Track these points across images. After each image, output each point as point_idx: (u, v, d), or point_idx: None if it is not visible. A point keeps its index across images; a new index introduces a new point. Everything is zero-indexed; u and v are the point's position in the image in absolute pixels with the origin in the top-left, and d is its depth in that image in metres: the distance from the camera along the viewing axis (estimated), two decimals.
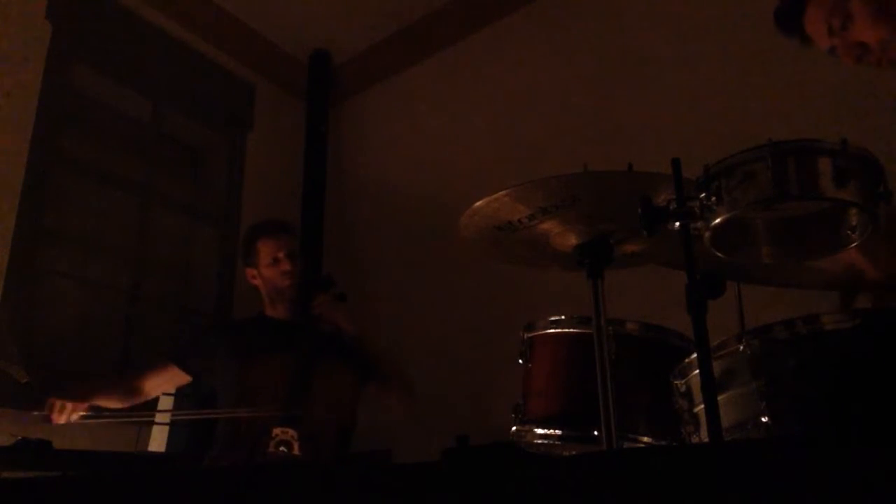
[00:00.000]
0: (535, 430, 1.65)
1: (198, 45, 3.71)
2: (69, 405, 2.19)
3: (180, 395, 2.54)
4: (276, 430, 2.16)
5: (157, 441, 2.49)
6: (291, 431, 2.17)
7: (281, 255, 2.53)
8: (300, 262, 2.57)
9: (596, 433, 1.51)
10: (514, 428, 1.69)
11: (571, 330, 1.70)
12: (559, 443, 1.64)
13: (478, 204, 1.53)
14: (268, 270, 2.53)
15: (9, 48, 2.95)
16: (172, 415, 2.46)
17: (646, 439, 1.59)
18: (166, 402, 2.54)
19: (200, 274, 3.68)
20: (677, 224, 1.20)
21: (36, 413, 2.19)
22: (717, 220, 1.18)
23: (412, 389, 2.51)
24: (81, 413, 2.21)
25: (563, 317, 1.72)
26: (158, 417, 2.49)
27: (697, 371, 1.20)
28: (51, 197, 3.05)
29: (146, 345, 3.25)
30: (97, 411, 2.28)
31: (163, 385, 2.47)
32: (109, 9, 3.35)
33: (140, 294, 3.31)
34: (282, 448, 2.14)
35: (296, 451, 2.15)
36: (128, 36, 3.44)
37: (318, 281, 2.55)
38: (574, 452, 1.65)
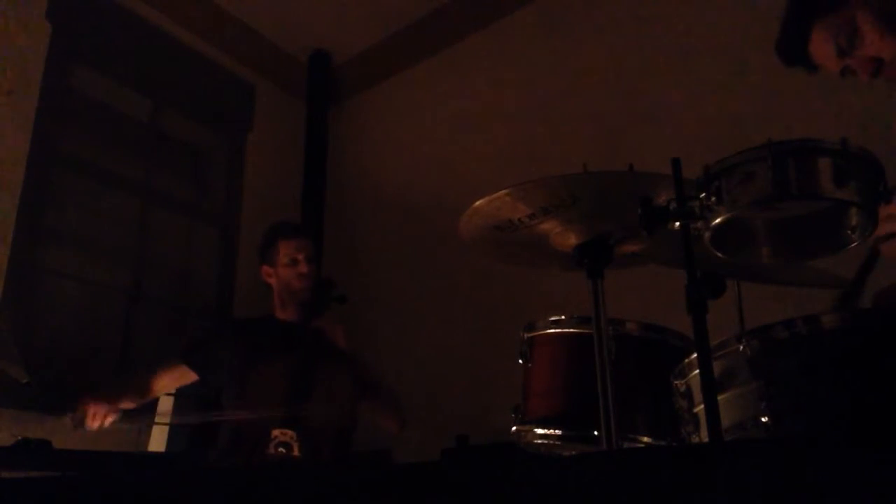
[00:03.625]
0: (535, 430, 1.65)
1: (198, 45, 3.71)
2: (103, 409, 2.20)
3: (181, 395, 2.54)
4: (276, 432, 2.16)
5: (157, 441, 2.49)
6: (291, 433, 2.17)
7: (300, 257, 2.55)
8: (315, 266, 2.58)
9: (596, 433, 1.51)
10: (514, 428, 1.69)
11: (571, 330, 1.70)
12: (559, 443, 1.64)
13: (478, 204, 1.53)
14: (285, 270, 2.55)
15: (9, 48, 2.95)
16: (184, 418, 2.45)
17: (646, 439, 1.59)
18: (167, 403, 2.54)
19: (200, 274, 3.68)
20: (677, 224, 1.20)
21: (69, 416, 2.20)
22: (717, 220, 1.18)
23: (403, 415, 2.54)
24: (112, 418, 2.23)
25: (563, 317, 1.72)
26: (162, 419, 2.49)
27: (697, 371, 1.20)
28: (51, 197, 3.05)
29: (146, 345, 3.25)
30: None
31: (172, 384, 2.48)
32: (109, 9, 3.35)
33: (140, 294, 3.31)
34: (281, 449, 2.14)
35: (295, 452, 2.15)
36: (128, 36, 3.44)
37: (319, 283, 2.56)
38: (574, 452, 1.65)
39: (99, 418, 2.20)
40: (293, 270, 2.54)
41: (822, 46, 1.57)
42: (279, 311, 2.59)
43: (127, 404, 2.34)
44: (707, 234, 1.21)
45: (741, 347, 1.27)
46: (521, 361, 1.76)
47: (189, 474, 1.24)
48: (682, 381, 1.44)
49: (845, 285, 1.61)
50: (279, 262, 2.57)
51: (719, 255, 1.27)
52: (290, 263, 2.55)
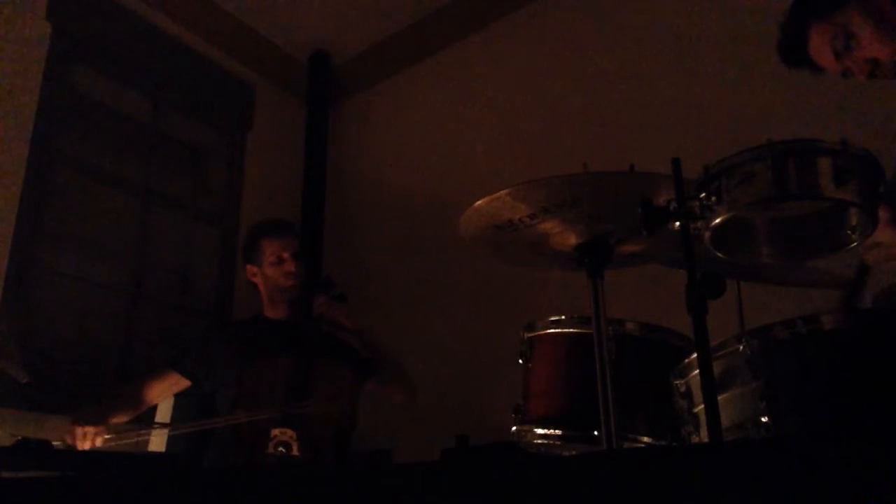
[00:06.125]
0: (535, 430, 1.65)
1: (198, 45, 3.71)
2: (92, 430, 2.18)
3: (180, 394, 2.53)
4: (275, 431, 2.16)
5: (157, 442, 2.49)
6: (290, 432, 2.16)
7: (286, 255, 2.53)
8: (302, 263, 2.57)
9: (596, 433, 1.51)
10: (514, 428, 1.69)
11: (571, 330, 1.70)
12: (559, 443, 1.64)
13: (478, 204, 1.53)
14: (271, 270, 2.54)
15: (9, 48, 2.95)
16: (176, 427, 2.43)
17: (646, 439, 1.59)
18: (166, 406, 2.54)
19: (200, 274, 3.67)
20: (677, 224, 1.20)
21: (57, 443, 2.17)
22: (717, 220, 1.18)
23: (412, 383, 2.54)
24: (105, 437, 2.21)
25: (563, 317, 1.72)
26: (163, 429, 2.49)
27: (697, 371, 1.20)
28: (51, 197, 3.05)
29: (146, 345, 3.25)
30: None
31: (165, 392, 2.47)
32: (109, 9, 3.35)
33: (140, 294, 3.31)
34: (280, 449, 2.14)
35: (295, 451, 2.15)
36: (128, 36, 3.44)
37: (318, 282, 2.55)
38: (574, 452, 1.65)
39: (89, 440, 2.18)
40: (279, 269, 2.52)
41: (820, 49, 1.59)
42: (268, 310, 2.58)
43: (120, 419, 2.33)
44: (707, 234, 1.21)
45: (741, 347, 1.27)
46: (521, 361, 1.76)
47: (189, 474, 1.24)
48: (682, 381, 1.44)
49: (844, 287, 1.61)
50: (264, 261, 2.55)
51: (719, 255, 1.27)
52: (276, 262, 2.53)
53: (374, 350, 2.51)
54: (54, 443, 2.15)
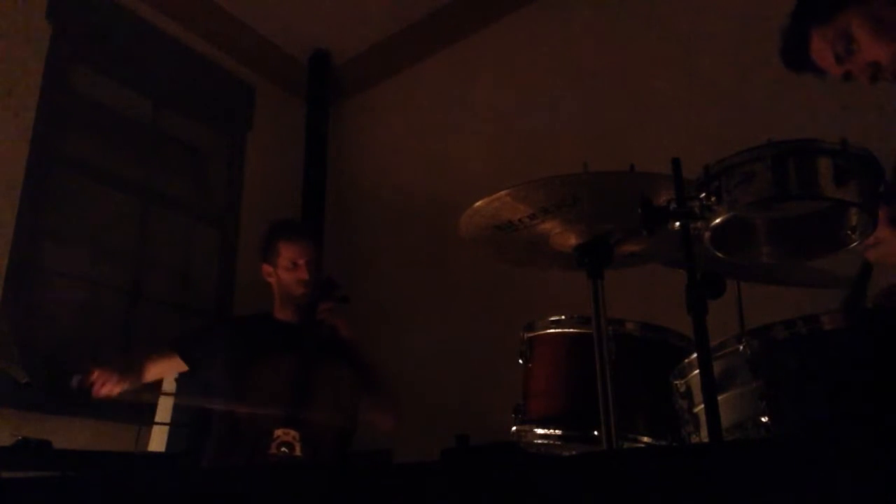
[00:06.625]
0: (536, 430, 1.65)
1: (198, 45, 3.71)
2: (115, 377, 2.19)
3: (181, 393, 2.53)
4: (278, 432, 2.16)
5: (157, 441, 2.49)
6: (293, 433, 2.17)
7: (301, 261, 2.51)
8: (315, 270, 2.55)
9: (596, 433, 1.51)
10: (514, 428, 1.69)
11: (571, 330, 1.70)
12: (559, 443, 1.64)
13: (478, 204, 1.53)
14: (285, 274, 2.52)
15: (9, 48, 2.95)
16: (181, 400, 2.42)
17: (646, 439, 1.59)
18: (166, 406, 2.54)
19: (200, 274, 3.68)
20: (677, 224, 1.20)
21: (75, 379, 2.17)
22: (717, 220, 1.18)
23: (399, 407, 2.51)
24: (120, 388, 2.21)
25: (563, 317, 1.72)
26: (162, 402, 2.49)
27: (697, 371, 1.20)
28: (51, 197, 3.05)
29: (146, 345, 3.25)
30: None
31: (164, 371, 2.46)
32: (109, 9, 3.35)
33: (140, 294, 3.31)
34: (283, 449, 2.14)
35: (297, 452, 2.15)
36: (128, 36, 3.44)
37: (320, 284, 2.54)
38: (574, 452, 1.65)
39: (108, 386, 2.18)
40: (293, 275, 2.51)
41: (822, 53, 1.59)
42: (278, 310, 2.58)
43: (127, 382, 2.32)
44: (707, 234, 1.21)
45: (741, 347, 1.27)
46: (521, 361, 1.76)
47: (189, 474, 1.25)
48: (682, 381, 1.44)
49: (844, 287, 1.61)
50: (279, 264, 2.54)
51: (719, 255, 1.27)
52: (290, 267, 2.52)
53: (365, 366, 2.48)
54: (74, 376, 2.16)
